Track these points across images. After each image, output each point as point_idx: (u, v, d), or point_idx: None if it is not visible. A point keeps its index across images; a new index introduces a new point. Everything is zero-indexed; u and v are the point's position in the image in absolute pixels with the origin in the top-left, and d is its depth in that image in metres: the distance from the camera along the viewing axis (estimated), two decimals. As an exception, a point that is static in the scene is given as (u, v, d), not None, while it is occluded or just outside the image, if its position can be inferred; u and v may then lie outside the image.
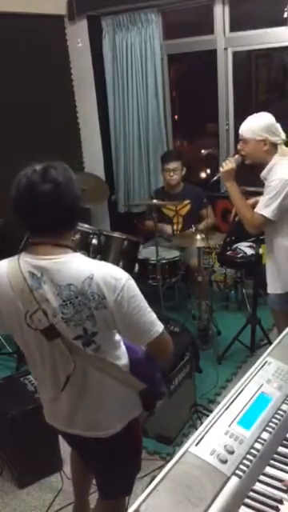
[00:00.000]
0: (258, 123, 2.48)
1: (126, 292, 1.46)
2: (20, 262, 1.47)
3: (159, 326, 1.55)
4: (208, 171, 4.87)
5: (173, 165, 3.88)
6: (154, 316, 1.55)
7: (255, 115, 2.54)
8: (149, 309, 1.54)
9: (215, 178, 2.87)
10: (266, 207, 2.48)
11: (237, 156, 2.65)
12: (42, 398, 1.74)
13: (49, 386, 1.63)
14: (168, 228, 4.05)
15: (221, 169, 2.67)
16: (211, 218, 4.04)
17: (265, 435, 1.32)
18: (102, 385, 1.59)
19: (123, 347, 1.66)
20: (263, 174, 2.55)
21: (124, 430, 1.67)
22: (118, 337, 1.63)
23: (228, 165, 2.64)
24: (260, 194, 2.64)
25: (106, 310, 1.46)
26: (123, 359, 1.64)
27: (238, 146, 2.61)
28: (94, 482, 2.19)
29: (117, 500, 1.88)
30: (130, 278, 1.50)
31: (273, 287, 2.71)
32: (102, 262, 1.52)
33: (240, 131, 2.56)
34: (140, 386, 1.66)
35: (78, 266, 1.45)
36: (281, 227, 2.55)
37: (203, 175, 4.93)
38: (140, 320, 1.51)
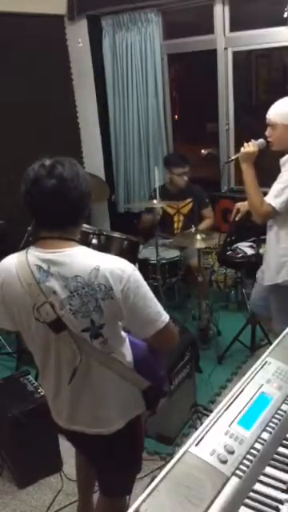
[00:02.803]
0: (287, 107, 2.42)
1: (132, 282, 1.49)
2: (28, 256, 1.50)
3: (165, 316, 1.57)
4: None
5: (186, 168, 3.91)
6: (159, 306, 1.56)
7: (283, 100, 2.45)
8: (155, 299, 1.56)
9: (233, 158, 2.76)
10: (275, 197, 2.42)
11: (261, 140, 2.55)
12: (46, 395, 1.76)
13: (52, 381, 1.64)
14: (158, 211, 4.03)
15: (242, 149, 2.56)
16: (211, 219, 4.04)
17: (265, 435, 1.31)
18: (104, 380, 1.60)
19: (128, 344, 1.67)
20: (283, 160, 2.47)
21: (126, 428, 1.67)
22: (123, 333, 1.64)
23: (250, 147, 2.53)
24: (265, 194, 2.64)
25: (113, 301, 1.48)
26: (128, 356, 1.65)
27: (266, 133, 2.51)
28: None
29: (117, 498, 1.88)
30: (136, 269, 1.53)
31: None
32: (108, 255, 1.55)
33: (268, 116, 2.47)
34: (144, 384, 1.67)
35: (84, 258, 1.48)
36: (283, 222, 2.52)
37: (203, 175, 4.92)
38: (146, 310, 1.53)
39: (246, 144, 2.57)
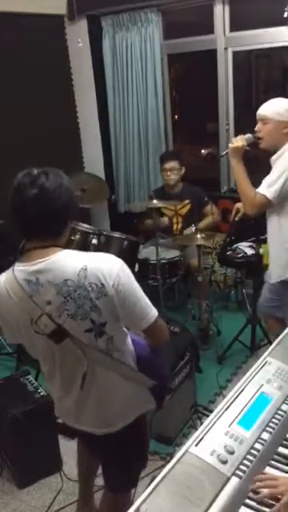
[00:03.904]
0: (283, 105, 2.45)
1: (122, 277, 1.50)
2: (15, 273, 1.50)
3: (155, 310, 1.59)
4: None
5: (170, 164, 3.90)
6: (148, 301, 1.58)
7: (279, 98, 2.49)
8: (143, 293, 1.57)
9: (224, 153, 2.74)
10: (269, 187, 2.43)
11: (249, 134, 2.58)
12: (52, 395, 1.78)
13: (58, 387, 1.66)
14: (164, 220, 4.04)
15: (230, 144, 2.59)
16: (216, 215, 4.02)
17: (265, 435, 1.32)
18: (109, 383, 1.61)
19: (130, 342, 1.69)
20: (273, 158, 2.50)
21: (131, 426, 1.69)
22: (125, 329, 1.65)
23: (238, 141, 2.56)
24: None
25: (107, 298, 1.49)
26: (131, 356, 1.67)
27: (256, 127, 2.53)
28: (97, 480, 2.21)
29: (122, 494, 1.90)
30: (124, 263, 1.53)
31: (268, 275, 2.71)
32: (94, 253, 1.55)
33: (260, 111, 2.49)
34: (148, 382, 1.68)
35: (70, 261, 1.48)
36: (280, 215, 2.53)
37: (203, 175, 4.92)
38: (137, 304, 1.54)
39: (233, 139, 2.61)
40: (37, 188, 1.42)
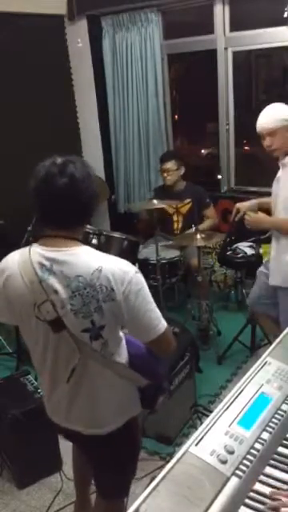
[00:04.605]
0: (279, 110, 2.45)
1: (133, 285, 1.49)
2: (31, 253, 1.50)
3: (164, 322, 1.57)
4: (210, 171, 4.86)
5: (166, 165, 3.92)
6: (159, 312, 1.57)
7: (268, 107, 2.48)
8: (154, 304, 1.56)
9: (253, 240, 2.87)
10: None
11: (251, 203, 2.72)
12: (42, 392, 1.76)
13: (47, 380, 1.65)
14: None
15: (248, 225, 2.72)
16: (213, 219, 4.03)
17: (265, 435, 1.31)
18: (100, 381, 1.60)
19: (124, 344, 1.67)
20: (285, 160, 2.51)
21: (122, 429, 1.67)
22: (121, 333, 1.64)
23: (251, 223, 2.68)
24: (265, 194, 2.64)
25: (114, 303, 1.48)
26: (124, 356, 1.65)
27: (267, 143, 2.50)
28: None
29: (114, 500, 1.88)
30: (138, 271, 1.53)
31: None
32: (111, 256, 1.54)
33: (264, 125, 2.46)
34: (142, 381, 1.67)
35: (87, 258, 1.48)
36: None
37: (203, 175, 4.92)
38: (146, 315, 1.53)
39: (246, 223, 2.71)
40: (67, 177, 1.42)
